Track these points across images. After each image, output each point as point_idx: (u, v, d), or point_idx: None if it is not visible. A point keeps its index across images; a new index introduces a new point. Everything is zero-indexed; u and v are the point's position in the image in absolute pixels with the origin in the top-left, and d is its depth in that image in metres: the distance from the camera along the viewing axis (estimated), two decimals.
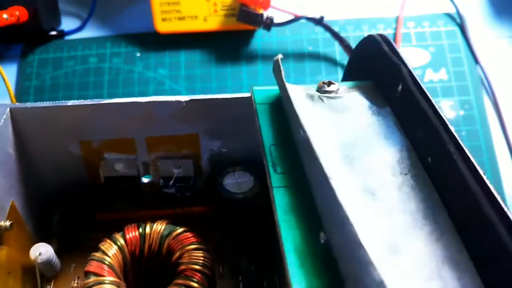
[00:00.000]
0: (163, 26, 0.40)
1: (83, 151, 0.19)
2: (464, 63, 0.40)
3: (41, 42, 0.43)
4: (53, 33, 0.43)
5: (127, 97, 0.39)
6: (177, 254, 0.18)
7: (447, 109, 0.39)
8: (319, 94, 0.17)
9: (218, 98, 0.19)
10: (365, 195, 0.14)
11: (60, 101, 0.18)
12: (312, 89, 0.18)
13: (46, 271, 0.18)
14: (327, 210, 0.13)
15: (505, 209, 0.12)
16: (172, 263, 0.18)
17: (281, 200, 0.14)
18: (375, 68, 0.18)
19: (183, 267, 0.18)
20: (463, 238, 0.13)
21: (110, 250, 0.18)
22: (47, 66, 0.42)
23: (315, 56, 0.41)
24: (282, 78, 0.17)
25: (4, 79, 0.38)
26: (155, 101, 0.18)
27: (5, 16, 0.38)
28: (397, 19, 0.42)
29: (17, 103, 0.19)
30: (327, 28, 0.39)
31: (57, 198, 0.20)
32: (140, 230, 0.19)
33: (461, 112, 0.38)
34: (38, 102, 0.19)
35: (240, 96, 0.19)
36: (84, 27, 0.44)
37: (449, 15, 0.42)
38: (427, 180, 0.15)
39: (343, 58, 0.40)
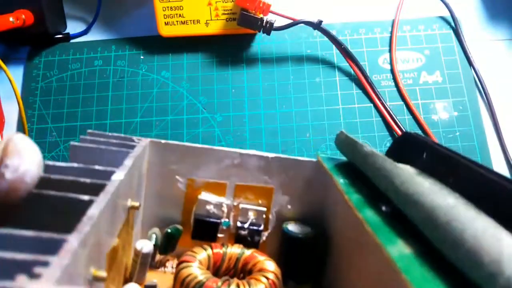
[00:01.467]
0: (166, 30, 0.41)
1: (188, 189, 0.24)
2: (459, 65, 0.41)
3: (47, 45, 0.44)
4: (59, 36, 0.44)
5: (131, 97, 0.41)
6: (251, 264, 0.22)
7: (441, 110, 0.40)
8: None
9: (295, 159, 0.24)
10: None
11: (186, 143, 0.23)
12: None
13: (142, 261, 0.23)
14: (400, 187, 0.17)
15: None
16: (246, 273, 0.22)
17: (353, 196, 0.19)
18: (407, 153, 0.23)
19: (258, 269, 0.21)
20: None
21: (200, 254, 0.22)
22: (53, 68, 0.43)
23: (314, 59, 0.42)
24: (351, 137, 0.22)
25: (10, 81, 0.39)
26: (249, 154, 0.24)
27: (11, 19, 0.39)
28: (393, 23, 0.42)
29: (154, 139, 0.23)
30: (325, 32, 0.40)
31: (154, 222, 0.25)
32: (224, 249, 0.23)
33: (455, 113, 0.39)
34: (170, 141, 0.23)
35: (311, 160, 0.24)
36: (89, 31, 0.45)
37: (443, 19, 0.43)
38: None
39: (340, 61, 0.41)
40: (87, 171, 0.18)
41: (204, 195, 0.25)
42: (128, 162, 0.20)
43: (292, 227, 0.24)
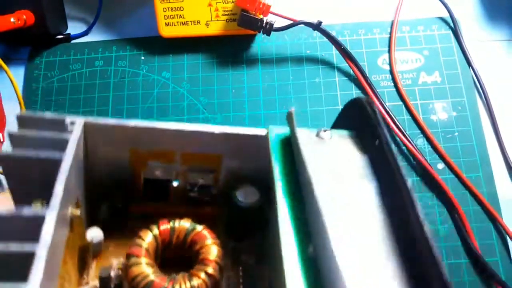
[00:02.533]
0: (166, 31, 0.41)
1: (131, 157, 0.24)
2: (457, 65, 0.41)
3: (48, 46, 0.44)
4: (60, 36, 0.44)
5: (131, 98, 0.41)
6: (198, 246, 0.23)
7: (440, 110, 0.40)
8: (319, 139, 0.22)
9: (244, 134, 0.23)
10: (346, 222, 0.18)
11: (122, 119, 0.22)
12: (314, 133, 0.23)
13: (94, 249, 0.23)
14: (317, 233, 0.18)
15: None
16: (193, 252, 0.23)
17: (285, 223, 0.19)
18: (360, 124, 0.23)
19: (202, 257, 0.22)
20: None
21: (147, 238, 0.22)
22: (54, 68, 0.43)
23: (313, 60, 0.42)
24: (294, 127, 0.21)
25: (12, 81, 0.39)
26: (194, 131, 0.23)
27: (12, 20, 0.39)
28: (392, 23, 0.43)
29: (89, 118, 0.22)
30: (325, 33, 0.40)
31: (104, 191, 0.24)
32: (171, 224, 0.23)
33: (454, 113, 0.40)
34: (106, 118, 0.22)
35: (261, 135, 0.23)
36: (90, 31, 0.45)
37: (442, 19, 0.43)
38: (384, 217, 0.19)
39: (340, 61, 0.42)
40: (18, 217, 0.17)
41: (151, 163, 0.24)
42: (55, 202, 0.17)
43: (240, 193, 0.24)
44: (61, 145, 0.20)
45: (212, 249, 0.23)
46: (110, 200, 0.25)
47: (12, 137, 0.20)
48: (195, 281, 0.22)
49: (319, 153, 0.21)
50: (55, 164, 0.19)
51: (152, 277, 0.21)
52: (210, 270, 0.22)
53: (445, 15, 0.43)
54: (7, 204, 0.21)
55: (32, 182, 0.19)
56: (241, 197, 0.24)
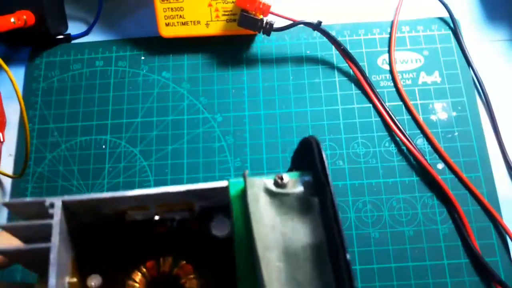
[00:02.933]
0: (166, 31, 0.41)
1: (112, 212, 0.27)
2: (457, 66, 0.41)
3: (48, 46, 0.44)
4: (60, 37, 0.44)
5: (131, 98, 0.41)
6: (183, 280, 0.26)
7: (440, 110, 0.40)
8: (274, 189, 0.24)
9: (209, 188, 0.25)
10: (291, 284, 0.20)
11: (97, 193, 0.24)
12: (271, 181, 0.24)
13: None
14: None
15: None
16: (179, 285, 0.26)
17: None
18: (309, 165, 0.24)
19: None
20: None
21: (138, 278, 0.26)
22: (54, 68, 0.43)
23: (313, 60, 0.42)
24: (246, 189, 0.23)
25: (12, 81, 0.39)
26: (162, 193, 0.25)
27: (12, 20, 0.39)
28: (392, 23, 0.43)
29: (65, 197, 0.24)
30: (324, 33, 0.40)
31: (93, 241, 0.27)
32: (156, 261, 0.27)
33: (454, 113, 0.40)
34: (80, 194, 0.24)
35: (225, 187, 0.25)
36: (90, 31, 0.45)
37: (442, 20, 0.43)
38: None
39: (340, 61, 0.42)
40: None
41: (131, 212, 0.27)
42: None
43: (214, 226, 0.26)
44: (48, 231, 0.22)
45: (193, 282, 0.26)
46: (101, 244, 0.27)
47: (5, 228, 0.23)
48: None
49: (269, 209, 0.23)
50: (46, 250, 0.22)
51: None
52: None
53: (445, 15, 0.43)
54: (6, 241, 0.23)
55: (32, 265, 0.22)
56: (215, 230, 0.26)
